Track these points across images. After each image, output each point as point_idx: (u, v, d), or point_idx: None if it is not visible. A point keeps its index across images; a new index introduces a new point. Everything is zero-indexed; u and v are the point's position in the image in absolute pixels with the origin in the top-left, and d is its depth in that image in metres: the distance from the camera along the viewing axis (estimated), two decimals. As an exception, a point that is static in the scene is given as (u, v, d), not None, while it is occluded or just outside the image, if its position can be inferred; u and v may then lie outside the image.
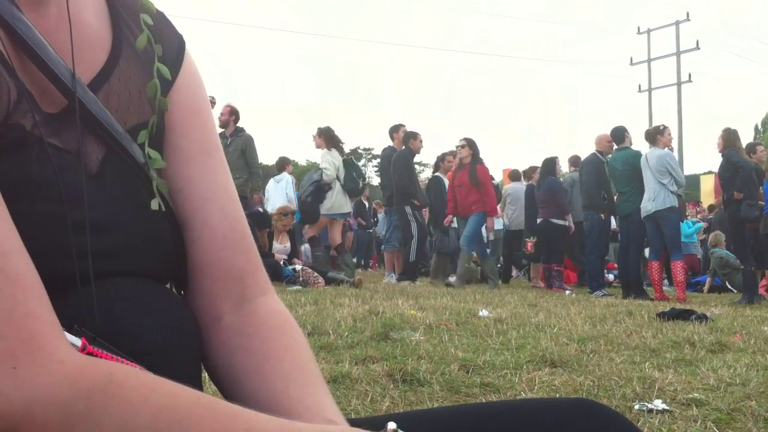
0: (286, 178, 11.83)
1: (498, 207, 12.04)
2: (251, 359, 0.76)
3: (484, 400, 2.41)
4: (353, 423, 0.71)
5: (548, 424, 0.74)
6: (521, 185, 12.16)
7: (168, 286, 0.79)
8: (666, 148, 8.67)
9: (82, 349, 0.56)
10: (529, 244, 11.51)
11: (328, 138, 9.41)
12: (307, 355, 0.79)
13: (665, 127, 8.97)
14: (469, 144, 9.76)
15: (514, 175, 12.94)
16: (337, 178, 9.36)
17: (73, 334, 0.57)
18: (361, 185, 9.57)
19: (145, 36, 0.78)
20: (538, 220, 10.53)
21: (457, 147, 9.88)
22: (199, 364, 0.77)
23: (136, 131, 0.75)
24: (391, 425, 0.62)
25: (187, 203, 0.79)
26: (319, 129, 9.57)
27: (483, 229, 10.21)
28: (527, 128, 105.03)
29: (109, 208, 0.70)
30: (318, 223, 9.77)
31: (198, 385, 0.70)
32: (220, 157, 0.84)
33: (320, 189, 9.35)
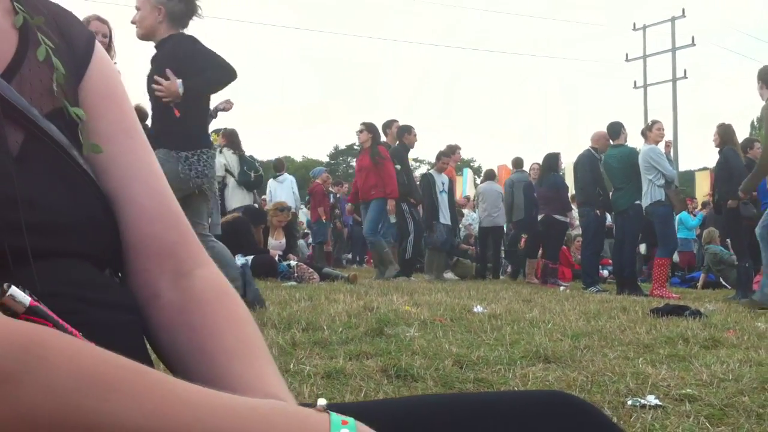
0: (289, 178, 12.00)
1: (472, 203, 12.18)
2: (193, 336, 0.76)
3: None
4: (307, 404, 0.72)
5: (520, 416, 0.75)
6: (494, 185, 12.19)
7: (107, 272, 0.79)
8: (655, 144, 8.69)
9: (26, 312, 0.57)
10: (523, 240, 11.54)
11: (229, 139, 9.46)
12: (250, 329, 0.79)
13: (654, 123, 8.99)
14: (368, 128, 9.67)
15: (488, 174, 13.02)
16: (231, 174, 9.44)
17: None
18: (253, 177, 9.60)
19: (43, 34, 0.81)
20: (539, 216, 10.54)
21: (357, 132, 9.79)
22: (142, 341, 0.78)
23: (54, 117, 0.77)
24: (321, 402, 0.63)
25: (111, 182, 0.81)
26: (225, 129, 9.63)
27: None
28: (523, 125, 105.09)
29: (36, 188, 0.71)
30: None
31: (144, 362, 0.70)
32: (140, 138, 0.86)
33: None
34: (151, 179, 0.84)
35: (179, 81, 4.24)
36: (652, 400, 2.43)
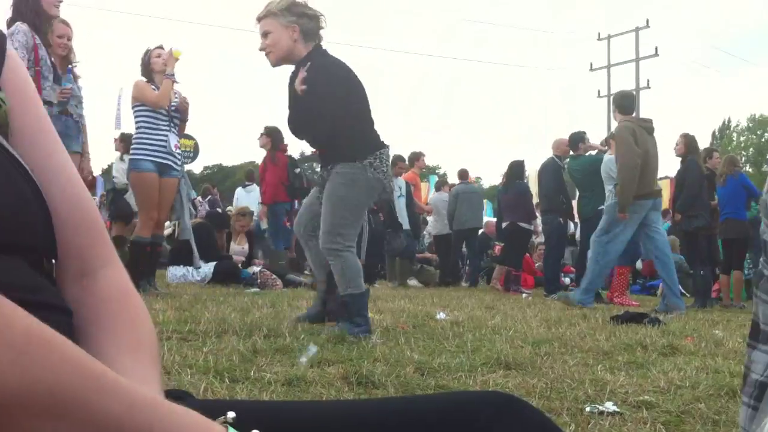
0: (257, 189, 12.14)
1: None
2: (88, 328, 0.79)
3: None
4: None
5: (455, 417, 0.76)
6: (443, 195, 12.34)
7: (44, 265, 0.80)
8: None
9: None
10: (497, 247, 11.61)
11: (126, 144, 9.50)
12: (144, 328, 0.83)
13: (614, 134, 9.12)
14: (268, 133, 9.80)
15: (438, 185, 13.18)
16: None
17: None
18: None
19: None
20: (504, 224, 10.61)
21: (258, 138, 9.92)
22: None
23: None
24: (230, 414, 0.66)
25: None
26: (122, 134, 9.60)
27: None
28: (487, 133, 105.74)
29: None
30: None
31: None
32: (54, 137, 0.87)
33: (118, 194, 9.41)
34: (68, 184, 0.85)
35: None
36: (610, 406, 2.45)
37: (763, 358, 1.29)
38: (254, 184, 12.55)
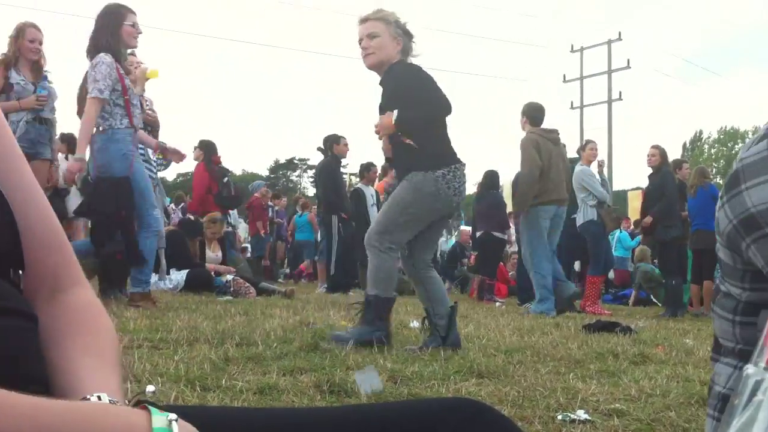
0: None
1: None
2: (58, 338, 0.82)
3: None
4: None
5: (424, 424, 0.76)
6: None
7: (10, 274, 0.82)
8: (588, 163, 8.90)
9: None
10: (472, 256, 11.64)
11: (70, 146, 9.53)
12: (108, 339, 0.87)
13: (588, 143, 9.24)
14: (201, 146, 10.03)
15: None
16: (74, 182, 9.52)
17: None
18: None
19: None
20: (478, 233, 10.65)
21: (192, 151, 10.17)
22: (38, 348, 0.80)
23: None
24: (150, 388, 0.69)
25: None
26: (62, 134, 9.66)
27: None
28: (462, 143, 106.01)
29: None
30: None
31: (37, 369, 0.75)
32: (23, 158, 0.89)
33: (57, 194, 9.41)
34: (40, 204, 0.87)
35: (395, 112, 4.05)
36: (581, 414, 2.46)
37: (725, 371, 1.31)
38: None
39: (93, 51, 5.34)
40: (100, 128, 5.26)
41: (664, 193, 8.75)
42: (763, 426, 0.47)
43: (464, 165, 4.19)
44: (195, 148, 10.07)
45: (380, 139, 4.21)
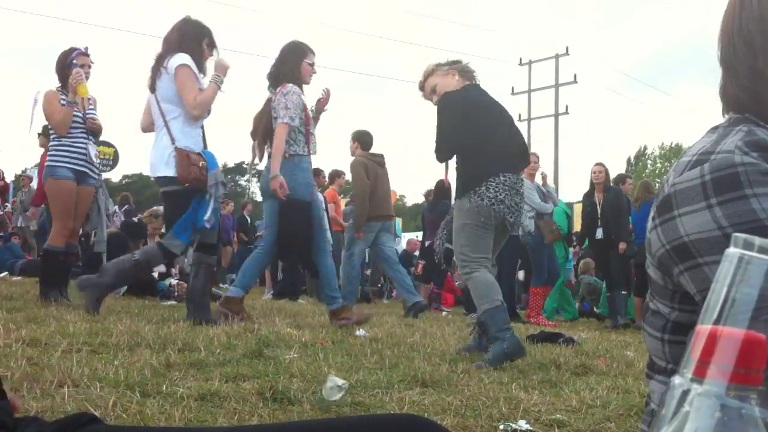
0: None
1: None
2: None
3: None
4: None
5: None
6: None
7: None
8: (530, 176, 9.05)
9: None
10: (419, 265, 11.67)
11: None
12: None
13: (530, 155, 9.38)
14: None
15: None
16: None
17: None
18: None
19: None
20: (427, 242, 10.68)
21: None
22: None
23: None
24: None
25: None
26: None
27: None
28: (412, 153, 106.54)
29: None
30: None
31: None
32: None
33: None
34: None
35: None
36: (523, 425, 2.48)
37: (659, 389, 1.34)
38: None
39: (274, 79, 5.74)
40: (286, 154, 5.54)
41: (620, 210, 8.98)
42: (689, 436, 0.48)
43: (504, 176, 4.38)
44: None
45: None
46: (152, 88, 5.27)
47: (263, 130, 5.75)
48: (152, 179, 5.52)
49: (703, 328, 0.51)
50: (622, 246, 8.89)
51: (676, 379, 0.51)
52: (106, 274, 5.30)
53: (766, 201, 1.10)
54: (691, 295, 1.21)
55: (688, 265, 1.17)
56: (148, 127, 5.44)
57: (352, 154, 8.55)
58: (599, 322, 9.54)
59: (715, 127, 1.28)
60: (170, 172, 5.12)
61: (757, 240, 0.51)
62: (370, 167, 8.30)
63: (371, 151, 8.54)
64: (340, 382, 2.72)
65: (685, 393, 0.50)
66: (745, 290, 0.50)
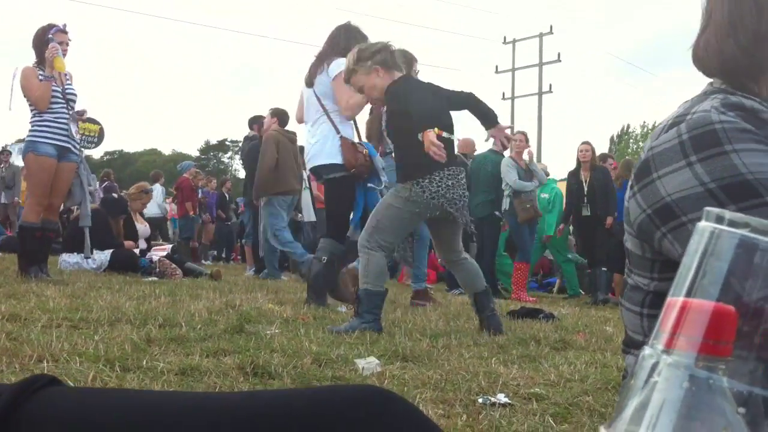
0: (159, 188, 13.93)
1: None
2: None
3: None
4: None
5: (327, 412, 0.76)
6: None
7: None
8: (516, 154, 9.07)
9: None
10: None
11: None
12: None
13: (516, 133, 9.41)
14: None
15: None
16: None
17: None
18: None
19: None
20: None
21: None
22: None
23: None
24: None
25: None
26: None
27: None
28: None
29: None
30: None
31: None
32: None
33: None
34: None
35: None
36: (501, 398, 2.50)
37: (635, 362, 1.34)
38: (156, 185, 14.14)
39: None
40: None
41: (607, 188, 9.04)
42: (656, 406, 0.48)
43: (448, 170, 4.27)
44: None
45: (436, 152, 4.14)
46: (310, 84, 5.52)
47: (377, 132, 6.22)
48: (306, 171, 5.63)
49: (674, 300, 0.51)
50: (609, 221, 8.95)
51: (647, 350, 0.51)
52: (315, 281, 5.42)
53: (747, 156, 1.10)
54: (670, 263, 1.21)
55: (671, 226, 1.16)
56: (302, 118, 5.76)
57: (266, 129, 9.00)
58: (579, 299, 9.61)
59: (688, 100, 1.28)
60: (334, 159, 5.33)
61: (728, 214, 0.51)
62: (282, 143, 8.66)
63: (286, 128, 8.92)
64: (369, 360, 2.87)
65: (656, 364, 0.50)
66: (716, 263, 0.51)
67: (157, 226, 14.52)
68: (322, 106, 5.41)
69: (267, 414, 0.76)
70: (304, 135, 5.73)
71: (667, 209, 1.16)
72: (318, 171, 5.48)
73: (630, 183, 1.25)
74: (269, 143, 8.59)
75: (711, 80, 1.31)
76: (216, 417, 0.76)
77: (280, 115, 8.93)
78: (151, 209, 13.75)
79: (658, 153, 1.18)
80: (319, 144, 5.39)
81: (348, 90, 5.10)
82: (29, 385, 0.81)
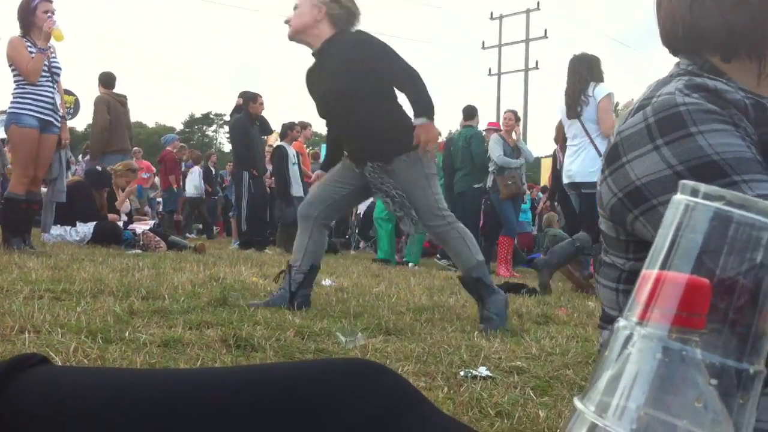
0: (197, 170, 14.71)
1: None
2: None
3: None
4: None
5: (318, 385, 0.76)
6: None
7: None
8: (505, 132, 9.09)
9: None
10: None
11: None
12: None
13: (506, 112, 9.43)
14: None
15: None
16: None
17: None
18: None
19: None
20: None
21: None
22: None
23: None
24: None
25: None
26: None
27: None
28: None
29: None
30: None
31: None
32: None
33: None
34: None
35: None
36: (483, 371, 2.52)
37: None
38: (196, 167, 14.90)
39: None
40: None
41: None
42: (630, 377, 0.49)
43: None
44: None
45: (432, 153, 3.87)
46: (577, 114, 6.13)
47: (563, 136, 6.67)
48: (569, 190, 6.44)
49: (648, 273, 0.52)
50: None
51: (621, 322, 0.52)
52: (553, 256, 6.21)
53: (712, 137, 1.11)
54: (644, 244, 1.22)
55: (643, 209, 1.18)
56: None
57: (99, 91, 9.36)
58: (562, 274, 9.66)
59: (655, 81, 1.29)
60: (596, 178, 5.60)
61: (703, 187, 0.51)
62: (112, 104, 9.09)
63: (114, 90, 9.34)
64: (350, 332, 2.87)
65: (629, 336, 0.51)
66: (690, 236, 0.51)
67: (195, 206, 14.91)
68: (587, 131, 6.06)
69: (259, 389, 0.76)
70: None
71: (637, 192, 1.18)
72: (577, 186, 6.18)
73: (602, 167, 1.26)
74: (100, 105, 9.03)
75: (678, 60, 1.32)
76: (207, 393, 0.76)
77: (104, 81, 9.29)
78: (189, 190, 14.58)
79: (626, 137, 1.19)
80: (582, 165, 6.07)
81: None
82: (18, 364, 0.81)
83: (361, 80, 3.85)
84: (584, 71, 6.14)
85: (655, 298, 0.50)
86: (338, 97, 3.94)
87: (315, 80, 4.07)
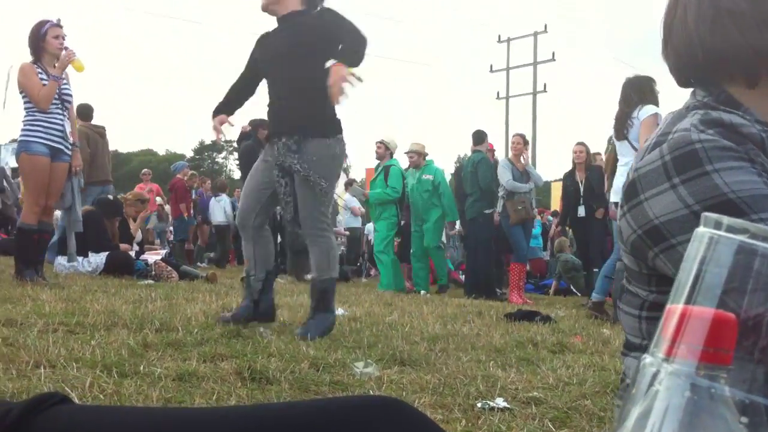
0: (226, 199, 14.50)
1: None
2: None
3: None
4: None
5: (341, 424, 0.75)
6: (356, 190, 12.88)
7: None
8: (515, 156, 9.11)
9: None
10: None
11: None
12: None
13: (514, 135, 9.46)
14: None
15: (347, 184, 13.51)
16: None
17: None
18: None
19: None
20: (402, 222, 10.70)
21: None
22: None
23: None
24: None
25: None
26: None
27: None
28: (389, 129, 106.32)
29: None
30: None
31: None
32: None
33: None
34: None
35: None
36: (500, 402, 2.50)
37: (634, 364, 1.35)
38: (223, 195, 14.58)
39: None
40: None
41: (602, 186, 9.02)
42: (658, 415, 0.48)
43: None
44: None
45: (338, 95, 3.64)
46: (624, 136, 6.16)
47: (612, 167, 6.63)
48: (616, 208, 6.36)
49: (674, 308, 0.51)
50: (600, 211, 8.95)
51: (647, 359, 0.51)
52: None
53: (728, 175, 1.11)
54: (667, 278, 1.21)
55: (662, 247, 1.18)
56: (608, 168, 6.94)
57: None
58: (576, 300, 9.61)
59: (672, 113, 1.29)
60: None
61: (726, 219, 0.51)
62: (91, 136, 9.15)
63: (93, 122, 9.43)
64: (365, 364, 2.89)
65: (656, 372, 0.50)
66: (715, 270, 0.51)
67: (223, 235, 14.67)
68: (634, 149, 6.06)
69: (280, 426, 0.75)
70: None
71: (656, 231, 1.18)
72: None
73: (621, 203, 1.26)
74: (80, 139, 8.85)
75: (692, 90, 1.32)
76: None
77: (82, 111, 9.16)
78: (217, 216, 14.37)
79: (643, 174, 1.19)
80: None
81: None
82: (39, 404, 0.80)
83: (313, 49, 3.91)
84: (634, 94, 6.12)
85: (681, 333, 0.50)
86: (285, 58, 4.01)
87: (269, 42, 4.18)
